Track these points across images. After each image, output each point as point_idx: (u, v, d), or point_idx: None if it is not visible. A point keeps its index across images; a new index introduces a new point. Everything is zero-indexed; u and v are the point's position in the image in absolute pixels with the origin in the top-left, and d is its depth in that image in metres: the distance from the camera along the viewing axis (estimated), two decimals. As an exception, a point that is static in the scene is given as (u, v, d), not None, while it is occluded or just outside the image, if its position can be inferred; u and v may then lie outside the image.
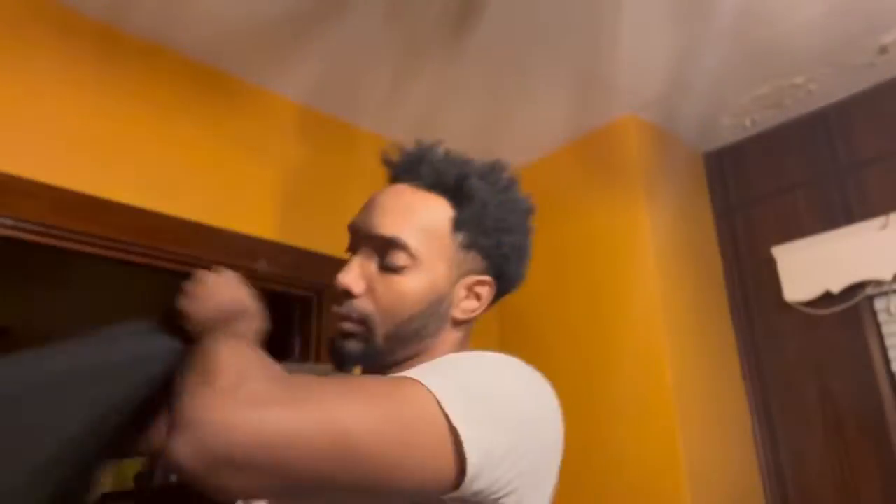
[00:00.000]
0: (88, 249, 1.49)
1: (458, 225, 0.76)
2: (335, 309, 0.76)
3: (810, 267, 1.89)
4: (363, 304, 0.74)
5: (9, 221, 1.37)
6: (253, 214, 1.76)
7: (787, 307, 1.93)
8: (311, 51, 1.72)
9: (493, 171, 0.81)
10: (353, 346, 0.74)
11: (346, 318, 0.75)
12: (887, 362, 1.76)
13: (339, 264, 0.76)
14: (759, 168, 2.12)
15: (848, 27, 1.69)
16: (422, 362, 0.72)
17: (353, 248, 0.79)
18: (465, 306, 0.78)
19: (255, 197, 1.79)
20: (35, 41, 1.49)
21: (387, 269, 0.74)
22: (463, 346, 0.80)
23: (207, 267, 0.78)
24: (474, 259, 0.78)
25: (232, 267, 0.79)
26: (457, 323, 0.78)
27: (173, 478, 2.44)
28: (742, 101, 1.99)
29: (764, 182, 2.10)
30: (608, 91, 1.92)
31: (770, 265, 1.99)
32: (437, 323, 0.76)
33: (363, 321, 0.74)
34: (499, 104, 1.98)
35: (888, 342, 1.77)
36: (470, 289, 0.78)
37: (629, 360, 1.83)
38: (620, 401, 1.83)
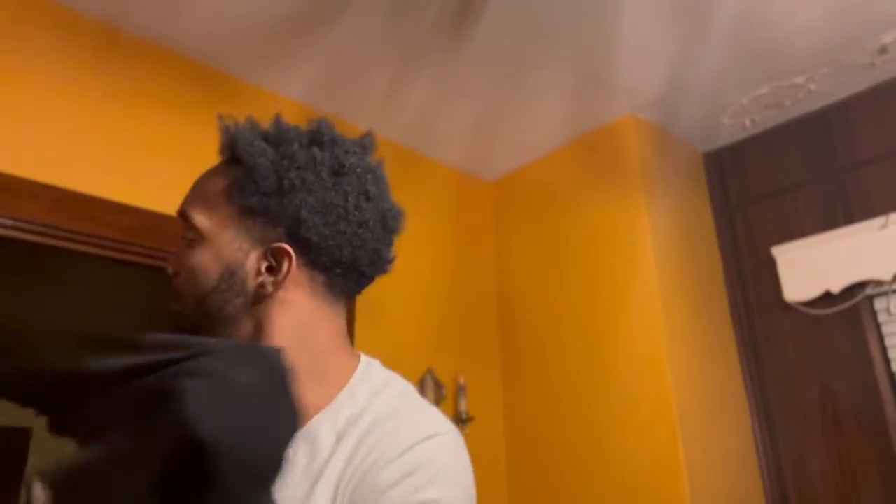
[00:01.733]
0: (89, 249, 1.49)
1: (231, 191, 0.72)
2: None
3: (810, 267, 1.89)
4: (176, 284, 0.73)
5: (9, 221, 1.37)
6: (253, 214, 1.75)
7: (787, 307, 1.94)
8: (311, 51, 1.72)
9: (284, 129, 0.76)
10: (182, 326, 0.72)
11: (172, 299, 0.73)
12: (887, 362, 1.76)
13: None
14: (759, 168, 2.12)
15: (848, 27, 1.69)
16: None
17: None
18: (263, 278, 0.70)
19: (255, 197, 1.78)
20: (35, 41, 1.49)
21: (186, 245, 0.73)
22: (283, 325, 0.71)
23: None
24: (263, 226, 0.71)
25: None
26: (261, 297, 0.71)
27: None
28: (742, 101, 1.99)
29: (764, 182, 2.10)
30: (608, 91, 1.92)
31: (770, 265, 1.99)
32: (238, 298, 0.70)
33: (178, 300, 0.73)
34: (499, 104, 1.98)
35: (888, 342, 1.77)
36: (264, 257, 0.71)
37: (629, 361, 1.83)
38: (620, 401, 1.83)
